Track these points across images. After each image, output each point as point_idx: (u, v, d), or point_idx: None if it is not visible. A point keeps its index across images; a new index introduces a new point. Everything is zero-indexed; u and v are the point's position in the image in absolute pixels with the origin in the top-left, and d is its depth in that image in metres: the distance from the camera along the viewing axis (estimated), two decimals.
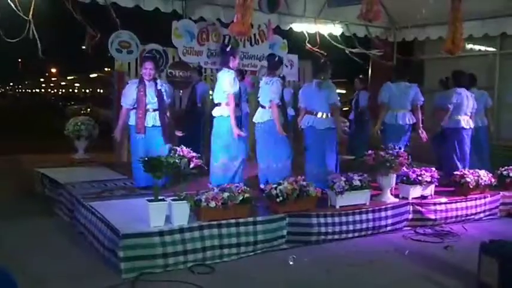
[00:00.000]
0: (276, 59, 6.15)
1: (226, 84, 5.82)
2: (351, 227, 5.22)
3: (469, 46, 9.30)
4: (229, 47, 6.27)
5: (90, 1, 7.21)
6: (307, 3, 8.82)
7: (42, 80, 61.76)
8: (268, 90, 5.94)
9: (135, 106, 5.88)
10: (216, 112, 5.99)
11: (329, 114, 6.02)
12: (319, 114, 6.05)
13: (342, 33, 9.73)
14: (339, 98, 6.19)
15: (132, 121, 5.92)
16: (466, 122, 6.87)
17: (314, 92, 6.11)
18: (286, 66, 9.46)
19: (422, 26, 9.76)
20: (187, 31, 8.24)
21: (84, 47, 7.42)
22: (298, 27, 9.21)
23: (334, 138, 6.06)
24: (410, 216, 5.67)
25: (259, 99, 6.19)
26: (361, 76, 9.61)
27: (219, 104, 5.97)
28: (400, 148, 5.82)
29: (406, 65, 6.92)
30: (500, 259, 3.70)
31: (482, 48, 10.12)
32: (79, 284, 3.96)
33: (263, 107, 6.07)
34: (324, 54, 8.56)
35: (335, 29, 9.59)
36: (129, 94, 5.89)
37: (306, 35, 9.19)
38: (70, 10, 7.00)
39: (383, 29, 10.25)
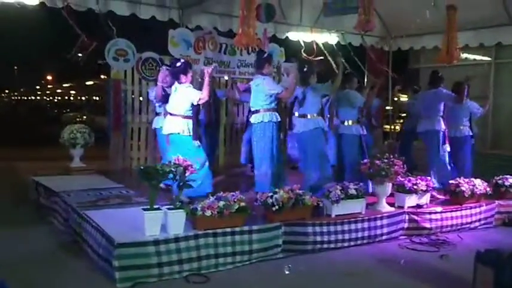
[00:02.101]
0: (306, 69, 6.27)
1: (269, 87, 5.92)
2: (346, 236, 5.21)
3: (464, 55, 9.36)
4: (266, 53, 6.32)
5: (86, 9, 7.23)
6: (303, 12, 8.88)
7: (38, 87, 61.62)
8: (315, 98, 6.12)
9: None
10: (255, 119, 6.03)
11: (355, 121, 6.57)
12: (346, 122, 6.57)
13: (338, 42, 9.78)
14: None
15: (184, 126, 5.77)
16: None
17: (340, 101, 6.60)
18: (283, 74, 9.49)
19: (418, 35, 9.81)
20: (183, 40, 8.25)
21: (75, 54, 7.41)
22: (294, 35, 9.25)
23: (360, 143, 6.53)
24: (405, 225, 5.66)
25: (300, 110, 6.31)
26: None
27: (257, 111, 6.03)
28: None
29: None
30: (496, 268, 3.69)
31: (477, 57, 10.19)
32: None
33: (304, 116, 6.17)
34: (314, 62, 8.59)
35: (331, 38, 9.65)
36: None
37: (302, 43, 9.23)
38: (66, 18, 7.02)
39: (378, 38, 10.31)
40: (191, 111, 5.73)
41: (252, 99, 6.15)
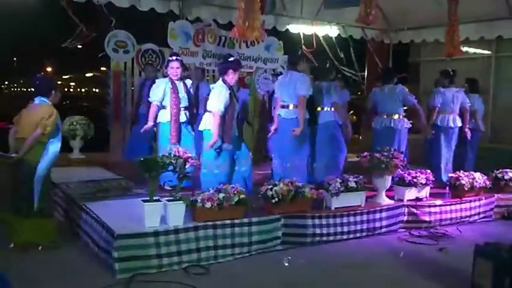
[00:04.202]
0: (328, 65, 6.64)
1: (300, 87, 5.87)
2: (345, 229, 5.23)
3: (465, 49, 9.35)
4: (300, 51, 6.52)
5: (85, 0, 7.19)
6: (304, 4, 8.82)
7: None
8: (331, 94, 6.37)
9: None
10: (286, 114, 6.02)
11: (400, 115, 6.67)
12: (392, 115, 6.66)
13: (338, 34, 9.74)
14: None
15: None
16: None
17: (387, 96, 6.71)
18: (283, 67, 9.48)
19: (418, 28, 9.78)
20: (183, 32, 8.21)
21: (71, 43, 7.37)
22: (294, 28, 9.21)
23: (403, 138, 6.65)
24: (405, 218, 5.68)
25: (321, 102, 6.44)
26: (339, 76, 9.59)
27: (287, 106, 6.01)
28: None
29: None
30: (495, 262, 3.71)
31: (478, 51, 10.16)
32: (73, 284, 3.96)
33: (323, 108, 6.41)
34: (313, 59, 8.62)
35: (331, 31, 9.60)
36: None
37: (302, 36, 9.20)
38: (65, 9, 6.99)
39: (379, 31, 10.27)
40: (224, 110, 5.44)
41: (282, 94, 6.10)
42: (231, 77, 5.44)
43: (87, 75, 49.94)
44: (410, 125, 6.84)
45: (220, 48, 8.64)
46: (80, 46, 7.52)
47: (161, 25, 8.26)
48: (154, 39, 8.58)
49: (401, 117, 6.68)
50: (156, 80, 6.23)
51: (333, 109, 6.37)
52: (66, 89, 58.08)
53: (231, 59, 5.59)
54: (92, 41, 7.50)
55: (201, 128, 5.61)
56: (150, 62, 8.18)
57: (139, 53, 8.23)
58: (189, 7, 8.11)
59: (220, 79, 5.49)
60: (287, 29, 9.18)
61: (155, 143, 8.04)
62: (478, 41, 9.07)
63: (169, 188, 5.24)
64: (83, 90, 54.28)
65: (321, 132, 6.36)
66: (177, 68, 5.91)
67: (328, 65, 6.62)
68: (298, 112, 5.87)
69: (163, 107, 5.98)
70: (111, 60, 8.09)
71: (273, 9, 7.73)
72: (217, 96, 5.35)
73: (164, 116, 5.97)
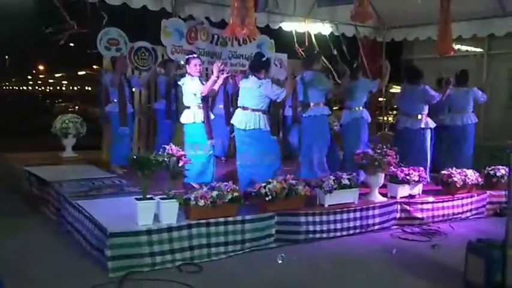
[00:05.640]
0: (355, 65, 7.02)
1: (323, 83, 6.17)
2: (339, 226, 5.24)
3: (457, 47, 9.39)
4: (316, 50, 6.66)
5: None
6: (297, 2, 8.83)
7: (29, 77, 61.08)
8: (363, 92, 6.71)
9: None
10: (309, 112, 6.19)
11: (423, 115, 6.78)
12: (413, 116, 6.80)
13: (331, 32, 9.76)
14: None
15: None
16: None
17: (408, 97, 6.88)
18: (276, 65, 9.48)
19: (411, 26, 9.81)
20: (176, 30, 8.20)
21: (61, 42, 7.31)
22: (287, 26, 9.21)
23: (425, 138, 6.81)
24: (398, 215, 5.70)
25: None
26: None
27: (308, 105, 6.19)
28: None
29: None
30: (487, 258, 3.73)
31: (470, 48, 10.21)
32: (66, 283, 3.94)
33: (351, 108, 6.75)
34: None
35: (324, 29, 9.61)
36: None
37: (294, 34, 9.20)
38: (57, 7, 6.95)
39: (372, 29, 10.29)
40: (268, 106, 5.78)
41: (303, 94, 6.26)
42: (263, 76, 5.67)
43: (80, 73, 49.69)
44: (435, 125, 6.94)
45: (213, 46, 8.63)
46: (71, 44, 7.46)
47: (154, 23, 8.23)
48: (147, 37, 8.54)
49: (423, 117, 6.80)
50: (182, 78, 6.03)
51: (360, 108, 6.71)
52: (58, 87, 57.87)
53: (264, 58, 5.77)
54: (84, 39, 7.46)
55: (247, 127, 5.61)
56: (123, 54, 7.97)
57: (132, 51, 8.19)
58: (181, 5, 8.10)
59: (254, 76, 5.65)
60: (280, 27, 9.18)
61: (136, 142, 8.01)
62: (470, 39, 9.11)
63: (197, 187, 5.27)
64: (75, 88, 54.04)
65: (344, 130, 6.87)
66: (200, 65, 5.94)
67: (355, 64, 7.01)
68: (319, 109, 6.16)
69: (188, 107, 5.90)
70: (104, 58, 8.04)
71: (266, 7, 7.72)
72: (275, 87, 5.61)
73: (189, 117, 5.87)
